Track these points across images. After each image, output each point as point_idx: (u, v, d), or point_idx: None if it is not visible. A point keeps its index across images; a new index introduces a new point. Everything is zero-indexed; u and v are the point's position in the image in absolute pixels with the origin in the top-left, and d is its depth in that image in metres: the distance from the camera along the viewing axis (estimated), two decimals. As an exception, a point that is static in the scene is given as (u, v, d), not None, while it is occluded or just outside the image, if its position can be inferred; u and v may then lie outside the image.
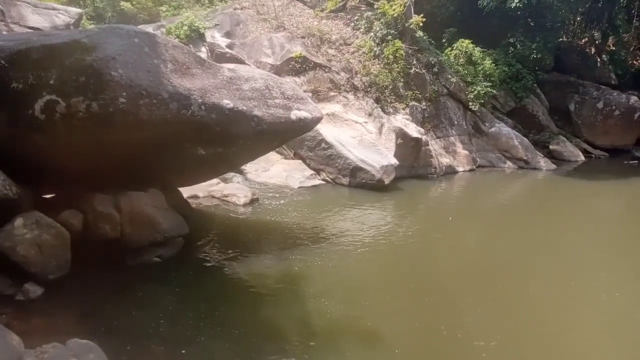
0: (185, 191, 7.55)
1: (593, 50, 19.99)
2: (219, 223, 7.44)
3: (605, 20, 18.54)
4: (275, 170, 10.40)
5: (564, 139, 17.35)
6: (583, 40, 20.40)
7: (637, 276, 6.37)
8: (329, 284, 5.46)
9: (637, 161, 17.51)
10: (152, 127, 4.97)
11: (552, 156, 16.07)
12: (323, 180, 10.60)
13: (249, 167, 10.16)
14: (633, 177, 14.29)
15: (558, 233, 8.27)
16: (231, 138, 5.86)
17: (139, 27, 8.47)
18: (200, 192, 8.31)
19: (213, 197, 8.42)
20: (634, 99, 18.22)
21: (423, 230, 7.93)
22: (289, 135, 7.30)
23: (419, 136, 11.80)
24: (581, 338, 4.70)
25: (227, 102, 5.50)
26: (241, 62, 11.82)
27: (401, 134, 11.46)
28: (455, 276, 6.08)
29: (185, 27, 12.88)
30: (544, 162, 14.85)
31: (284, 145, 10.69)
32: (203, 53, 12.36)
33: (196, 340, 4.19)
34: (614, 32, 18.94)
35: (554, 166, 14.90)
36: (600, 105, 18.08)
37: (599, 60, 19.52)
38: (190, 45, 11.65)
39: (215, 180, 8.65)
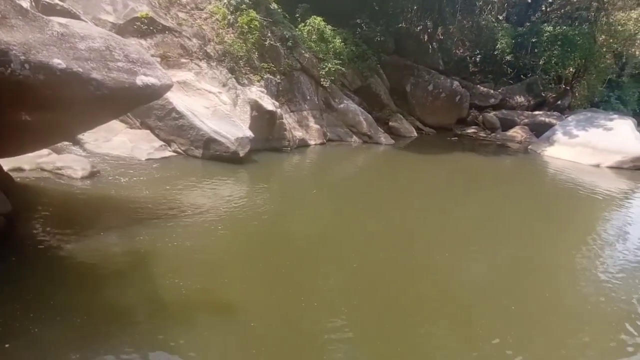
0: (7, 163, 6.49)
1: (426, 37, 22.41)
2: (50, 199, 6.58)
3: (436, 11, 20.87)
4: (119, 141, 9.54)
5: (401, 116, 19.30)
6: (418, 28, 22.70)
7: (462, 236, 7.50)
8: (182, 261, 5.27)
9: (456, 138, 20.43)
10: (-44, 86, 4.12)
11: (391, 132, 17.77)
12: (174, 152, 10.08)
13: (87, 137, 9.13)
14: (454, 151, 16.65)
15: (399, 200, 9.25)
16: (64, 103, 5.15)
17: None
18: (26, 164, 7.22)
19: (43, 169, 7.40)
20: (456, 83, 21.11)
21: (279, 202, 8.13)
22: (134, 103, 6.73)
23: (274, 109, 11.94)
24: (421, 293, 5.37)
25: (59, 62, 4.81)
26: (75, 17, 10.35)
27: (256, 107, 11.45)
28: (311, 246, 6.37)
29: (0, -32, 10.76)
30: (384, 137, 16.38)
31: (129, 114, 9.84)
32: (25, 2, 10.50)
33: (27, 332, 3.70)
34: (442, 23, 21.48)
35: (392, 141, 16.54)
36: (430, 87, 20.51)
37: (430, 47, 21.99)
38: (7, -10, 9.79)
39: (45, 151, 7.60)
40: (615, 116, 18.99)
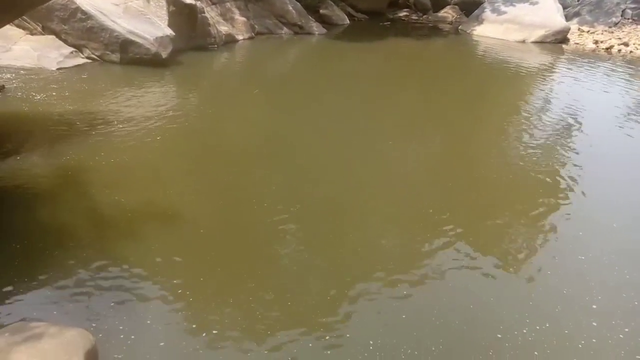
0: None
1: None
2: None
3: None
4: (22, 50, 8.42)
5: (332, 3, 18.34)
6: None
7: (402, 122, 7.64)
8: (118, 176, 4.98)
9: (389, 22, 19.96)
10: None
11: (322, 21, 16.98)
12: (88, 58, 9.10)
13: (-20, 48, 7.98)
14: (388, 37, 16.34)
15: (339, 93, 9.11)
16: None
17: None
18: None
19: None
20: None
21: (214, 106, 7.74)
22: (27, 4, 5.83)
23: (193, 2, 10.87)
24: (368, 180, 5.53)
25: None
26: None
27: (172, 1, 10.36)
28: (254, 148, 6.19)
29: None
30: (316, 27, 15.65)
31: (25, 17, 8.61)
32: None
33: (-42, 265, 3.48)
34: None
35: (325, 30, 15.88)
36: (360, -32, 19.34)
37: None
38: None
39: None
40: (540, -11, 19.13)
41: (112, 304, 3.22)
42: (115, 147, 5.61)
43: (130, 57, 9.09)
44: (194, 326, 3.10)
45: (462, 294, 3.56)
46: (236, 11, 13.49)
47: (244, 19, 13.57)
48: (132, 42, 9.03)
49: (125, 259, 3.68)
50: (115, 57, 9.09)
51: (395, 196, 5.14)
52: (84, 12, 8.79)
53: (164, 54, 9.34)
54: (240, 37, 13.12)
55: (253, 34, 13.73)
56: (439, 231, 4.40)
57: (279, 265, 3.85)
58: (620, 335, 3.23)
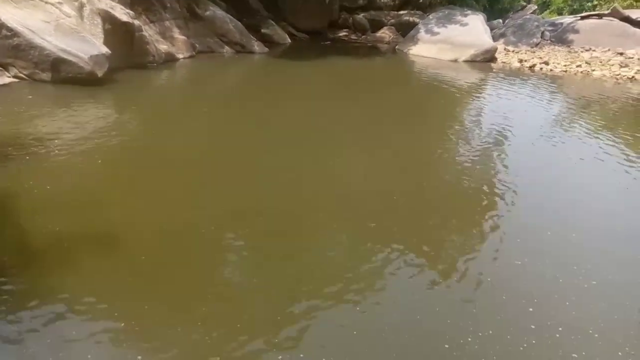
0: None
1: None
2: None
3: None
4: (-63, 70, 7.80)
5: (273, 23, 18.56)
6: None
7: (343, 138, 7.77)
8: (50, 202, 4.67)
9: (330, 42, 20.45)
10: None
11: (264, 40, 17.12)
12: (15, 77, 8.58)
13: None
14: (328, 56, 16.72)
15: (282, 109, 9.16)
16: None
17: None
18: None
19: None
20: (324, -16, 20.57)
21: (153, 124, 7.52)
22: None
23: (130, 20, 10.61)
24: (313, 196, 5.55)
25: None
26: None
27: (109, 18, 10.05)
28: (197, 169, 6.04)
29: None
30: (257, 46, 15.76)
31: (-58, 34, 8.01)
32: None
33: None
34: None
35: (266, 49, 16.03)
36: (299, -11, 19.75)
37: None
38: None
39: None
40: (469, 12, 20.43)
41: (47, 342, 3.00)
42: (49, 172, 5.29)
43: (62, 76, 8.67)
44: (139, 357, 2.95)
45: (411, 307, 3.64)
46: (176, 30, 13.29)
47: (184, 37, 13.39)
48: (64, 61, 8.62)
49: (61, 292, 3.44)
50: (46, 76, 8.63)
51: (343, 211, 5.20)
52: (9, 29, 8.30)
53: (100, 73, 8.99)
54: (180, 56, 12.92)
55: (194, 53, 13.58)
56: (385, 244, 4.49)
57: (227, 288, 3.76)
58: (557, 335, 3.43)
